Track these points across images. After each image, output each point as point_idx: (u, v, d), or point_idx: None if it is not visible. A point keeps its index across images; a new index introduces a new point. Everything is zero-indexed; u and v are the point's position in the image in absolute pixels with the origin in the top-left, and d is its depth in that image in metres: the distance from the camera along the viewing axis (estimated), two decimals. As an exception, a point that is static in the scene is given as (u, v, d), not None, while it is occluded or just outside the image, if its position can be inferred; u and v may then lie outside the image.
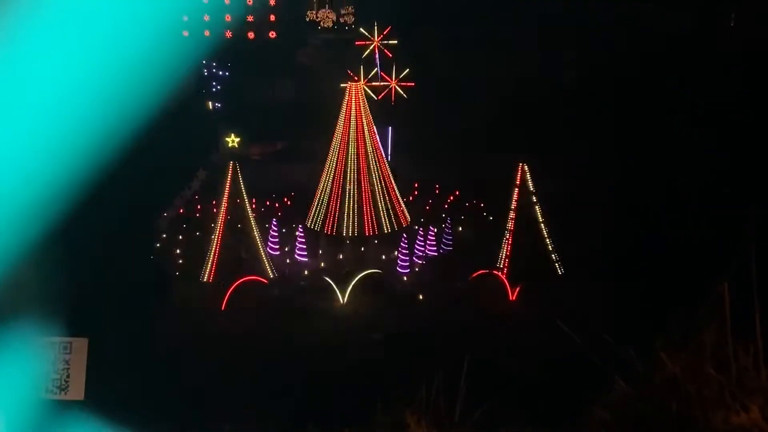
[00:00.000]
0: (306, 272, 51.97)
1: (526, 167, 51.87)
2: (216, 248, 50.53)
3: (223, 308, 46.32)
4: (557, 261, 50.78)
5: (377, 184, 57.15)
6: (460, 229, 58.04)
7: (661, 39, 69.64)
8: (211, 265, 50.25)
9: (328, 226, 56.74)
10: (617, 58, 68.22)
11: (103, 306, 41.37)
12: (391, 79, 70.82)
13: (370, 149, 57.20)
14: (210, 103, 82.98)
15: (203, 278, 49.99)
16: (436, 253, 54.31)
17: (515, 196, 51.75)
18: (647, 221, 48.50)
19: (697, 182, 51.89)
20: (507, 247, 51.46)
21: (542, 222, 51.38)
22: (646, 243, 46.06)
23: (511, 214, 51.94)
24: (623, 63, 67.86)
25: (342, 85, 59.35)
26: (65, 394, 7.71)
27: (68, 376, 7.75)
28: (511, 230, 51.65)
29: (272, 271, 50.94)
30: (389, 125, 66.61)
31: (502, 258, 51.25)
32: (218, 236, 50.70)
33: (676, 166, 53.40)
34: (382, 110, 67.65)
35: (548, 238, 51.19)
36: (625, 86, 65.33)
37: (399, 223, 57.87)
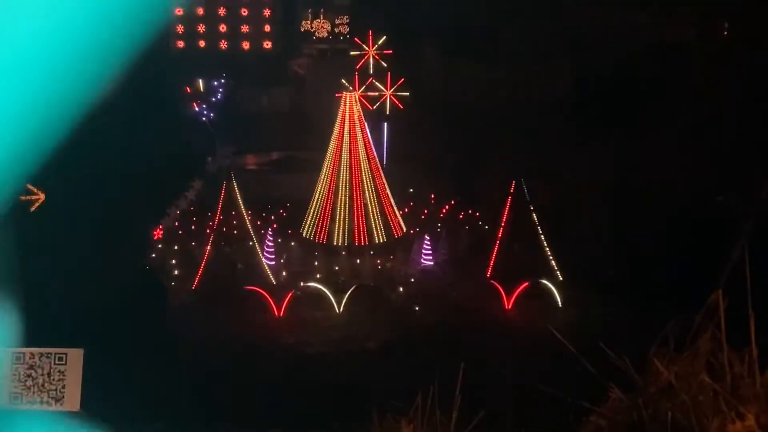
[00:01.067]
0: (301, 282, 51.90)
1: (521, 177, 52.00)
2: (205, 257, 50.89)
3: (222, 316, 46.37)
4: (552, 270, 50.78)
5: (372, 194, 57.16)
6: (456, 238, 58.03)
7: (657, 49, 69.81)
8: (198, 274, 50.53)
9: (323, 236, 56.72)
10: (613, 69, 68.36)
11: (99, 317, 41.36)
12: (386, 89, 70.96)
13: (365, 159, 57.23)
14: (195, 104, 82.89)
15: (192, 287, 50.22)
16: (431, 263, 54.30)
17: (510, 206, 51.83)
18: (642, 230, 48.54)
19: (691, 191, 51.96)
20: (503, 256, 51.46)
21: (538, 231, 51.41)
22: (641, 251, 46.11)
23: (505, 224, 52.02)
24: (619, 74, 68.00)
25: (337, 94, 59.43)
26: (61, 405, 7.73)
27: (63, 387, 7.77)
28: (504, 239, 51.67)
29: (273, 278, 51.02)
30: (383, 127, 66.67)
31: (498, 267, 51.23)
32: (208, 245, 51.08)
33: (671, 175, 53.47)
34: (378, 120, 67.78)
35: (543, 247, 51.22)
36: (620, 97, 65.45)
37: (394, 233, 57.88)
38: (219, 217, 52.24)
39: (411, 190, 65.53)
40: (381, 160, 60.78)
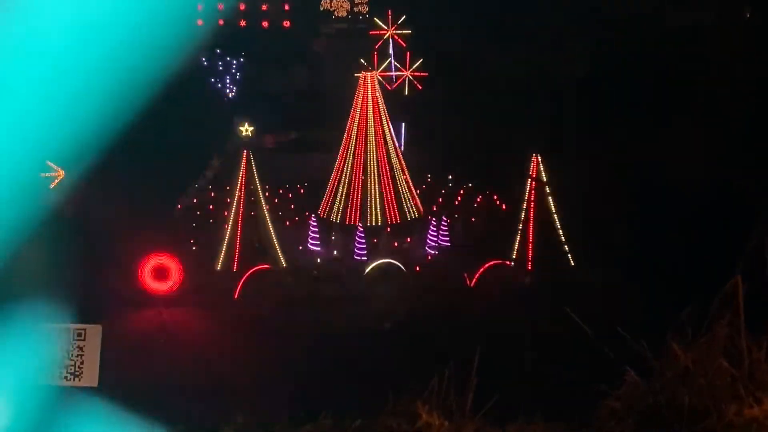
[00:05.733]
0: (318, 261, 51.94)
1: (539, 158, 51.72)
2: (237, 237, 50.70)
3: (235, 297, 46.38)
4: (570, 253, 50.60)
5: (390, 174, 57.17)
6: (473, 219, 57.87)
7: (678, 32, 69.26)
8: (232, 253, 50.33)
9: (340, 216, 56.81)
10: (634, 51, 67.84)
11: (117, 294, 41.71)
12: (405, 70, 70.74)
13: (383, 139, 57.22)
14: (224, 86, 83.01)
15: (218, 267, 50.02)
16: (448, 244, 54.20)
17: (528, 188, 51.61)
18: (661, 214, 48.32)
19: (711, 176, 51.63)
20: (519, 239, 51.33)
21: (555, 213, 51.19)
22: (660, 236, 45.90)
23: (524, 206, 51.82)
24: (640, 56, 67.48)
25: (355, 74, 59.33)
26: (79, 380, 7.78)
27: (82, 363, 7.81)
28: (523, 221, 51.51)
29: (284, 260, 50.97)
30: (402, 121, 66.37)
31: (514, 249, 51.13)
32: (238, 225, 50.89)
33: (691, 161, 53.13)
34: (396, 101, 67.58)
35: (561, 229, 51.01)
36: (640, 79, 65.00)
37: (412, 214, 57.88)
38: (238, 195, 52.25)
39: (429, 175, 65.44)
40: (398, 140, 60.66)
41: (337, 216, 56.90)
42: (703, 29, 69.24)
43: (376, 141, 57.19)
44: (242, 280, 46.97)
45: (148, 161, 51.75)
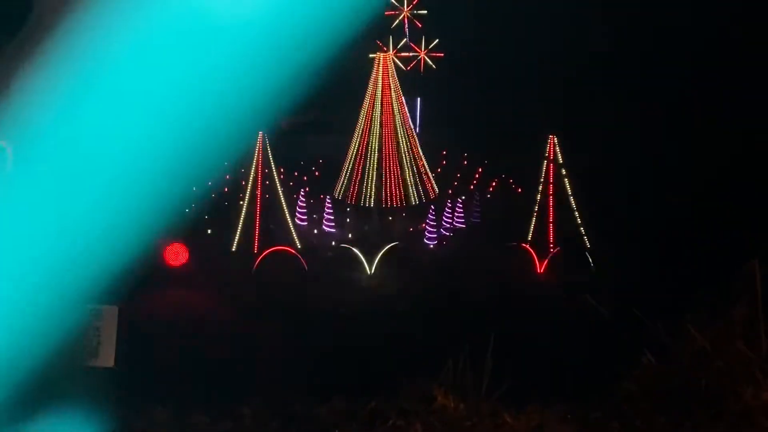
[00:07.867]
0: (333, 243, 51.92)
1: (556, 139, 51.42)
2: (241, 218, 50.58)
3: (251, 277, 46.46)
4: (586, 234, 50.39)
5: (405, 156, 57.10)
6: (488, 197, 57.68)
7: (700, 10, 68.38)
8: (252, 235, 50.14)
9: (355, 198, 56.79)
10: (652, 30, 67.18)
11: (134, 275, 41.81)
12: (420, 50, 70.49)
13: (398, 120, 57.11)
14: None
15: (234, 248, 49.67)
16: (464, 226, 54.07)
17: (544, 169, 51.34)
18: (679, 195, 48.04)
19: (730, 159, 51.27)
20: (535, 220, 51.11)
21: (572, 195, 50.93)
22: (677, 217, 45.67)
23: (540, 187, 51.56)
24: (658, 35, 66.82)
25: (371, 55, 59.19)
26: (95, 360, 7.85)
27: (99, 343, 7.88)
28: (539, 203, 51.28)
29: (299, 241, 50.93)
30: (418, 97, 66.02)
31: (530, 231, 50.94)
32: (257, 206, 50.65)
33: (709, 142, 52.76)
34: (411, 81, 67.41)
35: (577, 211, 50.76)
36: (660, 58, 64.44)
37: (427, 195, 57.82)
38: (254, 177, 52.24)
39: (444, 153, 65.19)
40: (413, 122, 60.57)
41: (353, 197, 56.98)
42: (728, 11, 68.45)
43: (394, 121, 57.19)
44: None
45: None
